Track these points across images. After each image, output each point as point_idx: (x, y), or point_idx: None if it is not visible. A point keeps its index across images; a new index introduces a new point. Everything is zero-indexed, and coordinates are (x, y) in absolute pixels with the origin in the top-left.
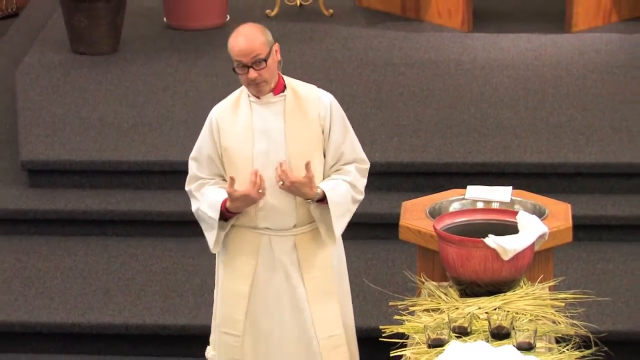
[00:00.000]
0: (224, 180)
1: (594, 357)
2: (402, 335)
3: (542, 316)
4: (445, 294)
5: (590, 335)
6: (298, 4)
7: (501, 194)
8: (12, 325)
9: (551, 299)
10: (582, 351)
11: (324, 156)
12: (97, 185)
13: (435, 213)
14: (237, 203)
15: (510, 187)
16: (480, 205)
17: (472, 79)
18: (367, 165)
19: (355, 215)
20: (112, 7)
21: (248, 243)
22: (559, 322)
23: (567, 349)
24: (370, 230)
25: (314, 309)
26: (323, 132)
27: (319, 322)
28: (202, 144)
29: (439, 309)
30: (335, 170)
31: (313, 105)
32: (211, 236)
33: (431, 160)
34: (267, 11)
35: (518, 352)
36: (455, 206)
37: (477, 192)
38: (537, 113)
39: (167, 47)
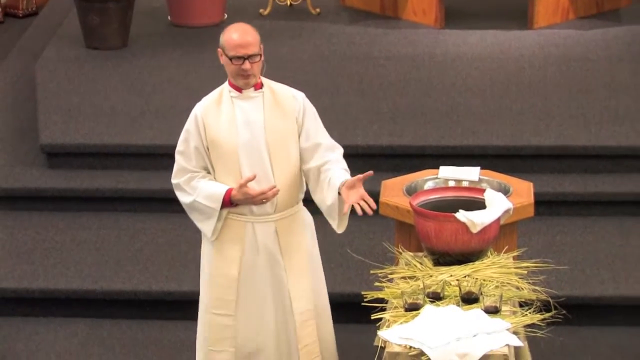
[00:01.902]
0: (209, 172)
1: (553, 320)
2: (382, 300)
3: (507, 283)
4: (421, 263)
5: (550, 300)
6: (288, 3)
7: (470, 173)
8: (33, 292)
9: (515, 268)
10: (542, 314)
11: (299, 145)
12: (108, 166)
13: (411, 191)
14: (241, 198)
15: (478, 168)
16: (451, 183)
17: (444, 71)
18: (342, 149)
19: None
20: (121, 6)
21: (234, 230)
22: (522, 288)
23: (530, 312)
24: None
25: (291, 288)
26: (297, 122)
27: (296, 299)
28: (188, 137)
29: (414, 276)
30: (324, 161)
31: (288, 101)
32: (209, 225)
33: (407, 144)
34: (261, 10)
35: (486, 315)
36: (429, 184)
37: (448, 172)
38: (502, 101)
39: (171, 43)
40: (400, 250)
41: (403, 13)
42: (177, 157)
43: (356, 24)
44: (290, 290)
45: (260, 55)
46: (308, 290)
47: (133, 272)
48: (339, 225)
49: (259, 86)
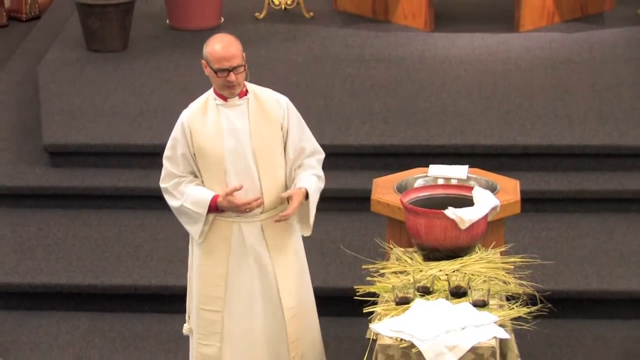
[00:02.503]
0: (196, 176)
1: (539, 313)
2: (373, 294)
3: (495, 277)
4: (411, 259)
5: (536, 294)
6: (283, 7)
7: (459, 171)
8: (36, 287)
9: (502, 263)
10: (529, 307)
11: (284, 150)
12: (109, 165)
13: (402, 188)
14: (226, 205)
15: (467, 166)
16: (440, 181)
17: (433, 73)
18: (324, 155)
19: (332, 190)
20: (121, 10)
21: (221, 230)
22: (509, 283)
23: (516, 306)
24: (345, 203)
25: (280, 284)
26: (282, 129)
27: (284, 295)
28: (175, 144)
29: (405, 271)
30: (299, 164)
31: (272, 106)
32: (196, 228)
33: (398, 143)
34: (256, 14)
35: (474, 308)
36: (419, 182)
37: (438, 170)
38: (489, 102)
39: (169, 45)
40: (391, 246)
41: (394, 17)
42: (165, 162)
43: (348, 27)
44: (279, 287)
45: (244, 65)
46: (295, 286)
47: (133, 268)
48: (301, 229)
49: (243, 93)
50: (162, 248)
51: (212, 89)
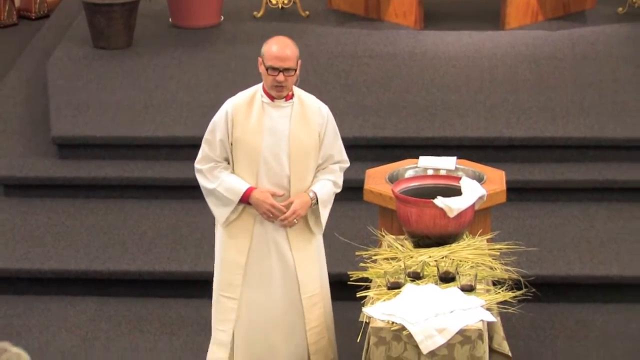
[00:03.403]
0: (229, 163)
1: (524, 297)
2: (366, 280)
3: (482, 263)
4: (402, 245)
5: (521, 279)
6: (280, 6)
7: (447, 162)
8: (45, 272)
9: (489, 249)
10: (514, 292)
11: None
12: (114, 156)
13: (393, 179)
14: (259, 197)
15: (455, 157)
16: (430, 172)
17: (423, 68)
18: (348, 165)
19: None
20: (126, 9)
21: (245, 222)
22: (495, 268)
23: (502, 290)
24: (339, 193)
25: (299, 274)
26: (319, 136)
27: (303, 284)
28: (215, 129)
29: (396, 257)
30: (323, 167)
31: (314, 114)
32: (224, 212)
33: (390, 135)
34: (255, 13)
35: (462, 293)
36: (409, 173)
37: (427, 162)
38: (476, 96)
39: (172, 43)
40: (383, 234)
41: (385, 15)
42: (203, 145)
43: (342, 26)
44: (299, 276)
45: (295, 70)
46: (315, 275)
47: (137, 254)
48: (314, 224)
49: (289, 97)
50: (165, 236)
51: (261, 85)
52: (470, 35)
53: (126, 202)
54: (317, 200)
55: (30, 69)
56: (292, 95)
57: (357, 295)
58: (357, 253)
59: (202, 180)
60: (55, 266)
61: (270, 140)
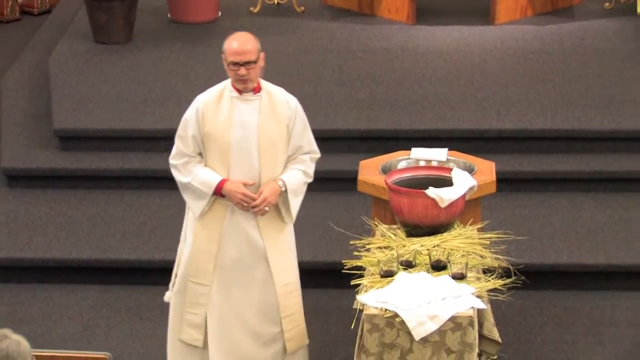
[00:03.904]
0: (202, 157)
1: (513, 285)
2: (360, 268)
3: (472, 252)
4: (395, 235)
5: (511, 267)
6: (276, 2)
7: (439, 154)
8: (47, 261)
9: (479, 238)
10: (504, 280)
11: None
12: (115, 148)
13: (386, 170)
14: (232, 189)
15: (446, 149)
16: (422, 163)
17: (415, 63)
18: (318, 155)
19: (322, 172)
20: (126, 5)
21: (217, 212)
22: (486, 257)
23: (492, 278)
24: (334, 184)
25: (272, 263)
26: (288, 128)
27: (277, 273)
28: (187, 125)
29: (389, 246)
30: (293, 158)
31: (282, 106)
32: (200, 205)
33: (383, 128)
34: (251, 8)
35: (453, 280)
36: (402, 164)
37: (419, 153)
38: (467, 89)
39: (170, 38)
40: (377, 223)
41: (378, 11)
42: (177, 141)
43: (336, 21)
44: (272, 265)
45: (256, 61)
46: (289, 264)
47: (137, 243)
48: (285, 214)
49: (257, 90)
50: (164, 226)
51: (229, 81)
52: (461, 30)
53: (126, 192)
54: (286, 189)
55: (33, 63)
56: (260, 88)
57: (352, 283)
58: (351, 242)
59: (177, 175)
60: (57, 255)
61: (239, 133)
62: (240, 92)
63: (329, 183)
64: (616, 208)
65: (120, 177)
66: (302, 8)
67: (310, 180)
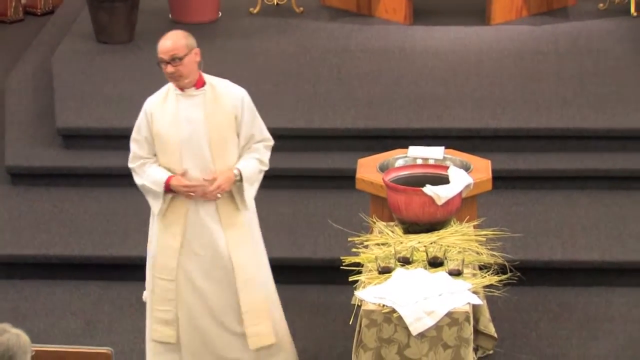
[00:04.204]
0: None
1: (509, 281)
2: (358, 264)
3: (468, 248)
4: (392, 232)
5: (506, 264)
6: (275, 3)
7: (436, 152)
8: (51, 258)
9: (475, 235)
10: (499, 276)
11: (238, 137)
12: (117, 147)
13: (384, 168)
14: (176, 185)
15: (443, 147)
16: (419, 161)
17: (412, 62)
18: (272, 143)
19: (321, 170)
20: (128, 6)
21: (179, 207)
22: (482, 253)
23: (488, 275)
24: (333, 182)
25: (233, 257)
26: (236, 119)
27: (237, 267)
28: (140, 128)
29: (387, 243)
30: (248, 147)
31: (227, 98)
32: (156, 205)
33: (380, 126)
34: (251, 9)
35: (449, 277)
36: (399, 162)
37: (416, 151)
38: (463, 89)
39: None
40: (375, 221)
41: (376, 11)
42: (132, 144)
43: (335, 21)
44: (233, 260)
45: (182, 58)
46: (249, 258)
47: (139, 240)
48: (240, 202)
49: (200, 85)
50: None
51: None
52: (457, 30)
53: (128, 190)
54: (241, 177)
55: (36, 62)
56: (204, 83)
57: (350, 280)
58: (349, 239)
59: (135, 178)
60: (60, 252)
61: (188, 129)
62: (182, 89)
63: (328, 181)
64: (610, 205)
65: (122, 174)
66: (301, 8)
67: (265, 168)
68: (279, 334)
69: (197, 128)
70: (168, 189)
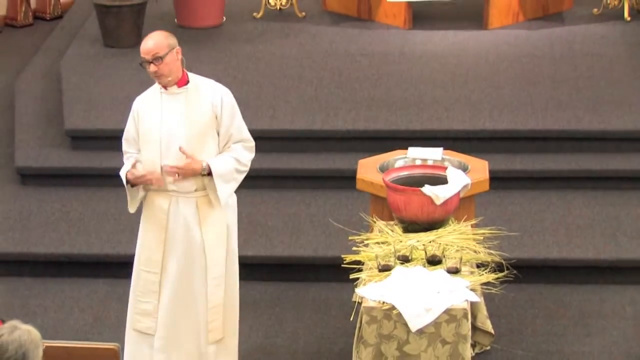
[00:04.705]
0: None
1: (505, 279)
2: (359, 262)
3: (466, 247)
4: (392, 231)
5: (503, 262)
6: (278, 8)
7: (434, 153)
8: (59, 256)
9: (473, 234)
10: (496, 274)
11: (218, 135)
12: None
13: (384, 168)
14: (131, 177)
15: (441, 148)
16: (418, 162)
17: (411, 66)
18: (252, 144)
19: (322, 170)
20: (134, 11)
21: (161, 202)
22: (479, 252)
23: (485, 272)
24: (334, 182)
25: (207, 255)
26: (216, 118)
27: (210, 266)
28: (128, 127)
29: (387, 242)
30: (228, 147)
31: (208, 96)
32: (129, 198)
33: (380, 128)
34: (254, 14)
35: (448, 274)
36: (399, 163)
37: (416, 152)
38: (461, 91)
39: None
40: (375, 220)
41: (376, 16)
42: (123, 141)
43: (336, 26)
44: (207, 258)
45: (163, 57)
46: (222, 258)
47: None
48: (214, 198)
49: (183, 83)
50: None
51: None
52: (455, 34)
53: None
54: (209, 171)
55: (45, 66)
56: (187, 81)
57: (351, 277)
58: (350, 238)
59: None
60: (68, 250)
61: (168, 125)
62: (165, 87)
63: (329, 181)
64: (604, 205)
65: None
66: (303, 13)
67: (244, 169)
68: (229, 332)
69: (178, 124)
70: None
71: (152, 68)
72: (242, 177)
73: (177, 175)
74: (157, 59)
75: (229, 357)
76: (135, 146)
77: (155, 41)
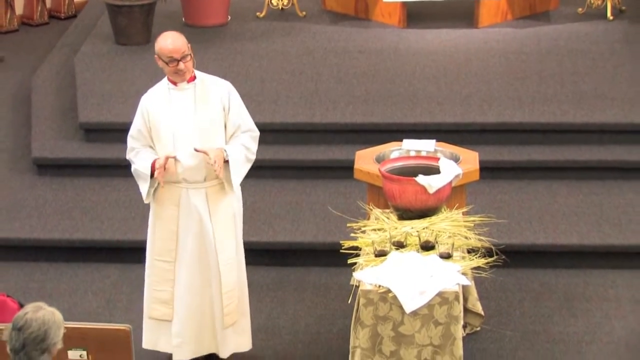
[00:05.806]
0: (153, 149)
1: (495, 263)
2: (356, 248)
3: (458, 233)
4: (388, 218)
5: (492, 247)
6: (280, 7)
7: (427, 145)
8: (74, 242)
9: (464, 221)
10: (486, 259)
11: (225, 127)
12: None
13: (380, 159)
14: (160, 169)
15: (434, 140)
16: (412, 153)
17: (406, 62)
18: (257, 134)
19: (322, 161)
20: (145, 10)
21: (172, 194)
22: (470, 238)
23: (476, 257)
24: (333, 172)
25: (217, 242)
26: (224, 110)
27: (220, 251)
28: (136, 123)
29: (383, 228)
30: (235, 137)
31: (215, 90)
32: (144, 188)
33: (377, 121)
34: (257, 13)
35: (440, 259)
36: (394, 154)
37: (410, 144)
38: (453, 86)
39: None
40: (371, 208)
41: (373, 15)
42: (129, 139)
43: (335, 24)
44: (217, 245)
45: (190, 54)
46: (231, 243)
47: None
48: (227, 185)
49: (191, 79)
50: None
51: (166, 77)
52: (447, 33)
53: None
54: (227, 155)
55: (60, 63)
56: (195, 77)
57: (348, 262)
58: (348, 225)
59: (132, 167)
60: (82, 236)
61: (179, 120)
62: (175, 83)
63: (328, 171)
64: (588, 194)
65: None
66: (304, 13)
67: (252, 157)
68: (241, 313)
69: (188, 118)
70: (154, 171)
71: (181, 66)
72: (250, 165)
73: (217, 167)
74: (185, 56)
75: (243, 336)
76: (143, 141)
77: (181, 41)
